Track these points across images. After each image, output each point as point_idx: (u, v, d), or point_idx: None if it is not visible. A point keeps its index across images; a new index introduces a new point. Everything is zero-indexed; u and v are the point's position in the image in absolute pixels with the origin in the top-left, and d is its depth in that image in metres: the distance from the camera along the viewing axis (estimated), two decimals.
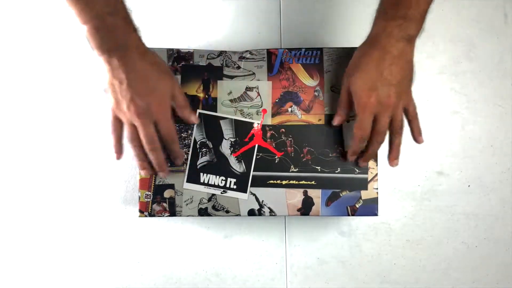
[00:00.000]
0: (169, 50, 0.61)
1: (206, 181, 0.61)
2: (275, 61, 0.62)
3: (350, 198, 0.61)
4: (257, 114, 0.61)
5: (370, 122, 0.55)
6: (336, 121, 0.59)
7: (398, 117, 0.56)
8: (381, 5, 0.54)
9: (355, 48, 0.60)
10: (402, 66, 0.53)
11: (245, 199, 0.61)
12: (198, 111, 0.61)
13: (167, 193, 0.61)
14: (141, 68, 0.51)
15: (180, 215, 0.61)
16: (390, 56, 0.52)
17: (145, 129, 0.53)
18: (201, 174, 0.61)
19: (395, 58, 0.52)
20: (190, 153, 0.61)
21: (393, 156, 0.58)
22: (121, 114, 0.53)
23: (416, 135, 0.59)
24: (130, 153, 0.56)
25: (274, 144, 0.61)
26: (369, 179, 0.61)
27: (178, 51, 0.61)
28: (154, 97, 0.52)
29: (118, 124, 0.55)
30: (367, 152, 0.58)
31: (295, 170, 0.61)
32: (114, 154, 0.57)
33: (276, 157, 0.61)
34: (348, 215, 0.61)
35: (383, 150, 0.71)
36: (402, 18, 0.52)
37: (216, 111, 0.61)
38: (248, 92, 0.61)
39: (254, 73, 0.61)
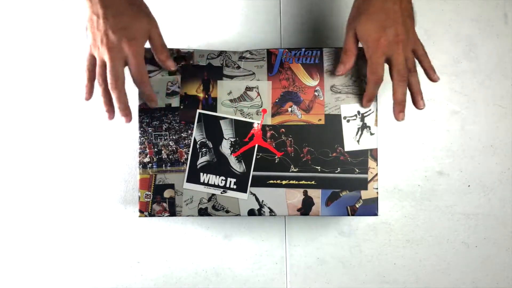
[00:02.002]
0: (169, 50, 0.61)
1: (206, 181, 0.61)
2: (275, 61, 0.61)
3: (350, 198, 0.61)
4: (257, 114, 0.61)
5: (382, 64, 0.55)
6: (340, 70, 0.59)
7: (410, 56, 0.56)
8: None
9: None
10: (405, 5, 0.55)
11: (245, 199, 0.61)
12: (198, 111, 0.61)
13: (167, 193, 0.61)
14: (118, 4, 0.53)
15: (180, 215, 0.61)
16: None
17: (112, 64, 0.53)
18: (201, 174, 0.61)
19: None
20: (190, 153, 0.61)
21: (418, 97, 0.58)
22: (95, 49, 0.55)
23: (431, 73, 0.59)
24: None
25: (274, 144, 0.61)
26: (369, 179, 0.61)
27: (178, 51, 0.61)
28: (127, 33, 0.53)
29: (92, 61, 0.56)
30: (396, 99, 0.57)
31: (295, 170, 0.61)
32: (84, 94, 0.58)
33: (276, 157, 0.61)
34: (348, 215, 0.61)
35: (382, 149, 0.72)
36: None
37: (216, 111, 0.61)
38: (248, 92, 0.61)
39: (254, 73, 0.61)
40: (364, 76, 0.61)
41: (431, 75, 0.59)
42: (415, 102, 0.58)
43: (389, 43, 0.54)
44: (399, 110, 0.57)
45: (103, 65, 0.55)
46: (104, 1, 0.52)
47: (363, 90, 0.61)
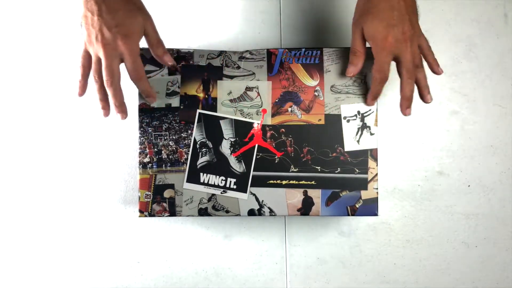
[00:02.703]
0: (169, 50, 0.61)
1: (206, 181, 0.61)
2: (275, 61, 0.61)
3: (350, 198, 0.61)
4: (257, 114, 0.61)
5: (389, 63, 0.56)
6: (351, 72, 0.59)
7: (416, 52, 0.56)
8: None
9: None
10: (409, 2, 0.55)
11: (245, 199, 0.61)
12: (198, 111, 0.61)
13: (167, 193, 0.61)
14: (112, 1, 0.53)
15: (180, 215, 0.61)
16: None
17: (108, 61, 0.54)
18: (201, 174, 0.61)
19: None
20: (190, 153, 0.61)
21: (425, 91, 0.59)
22: (90, 46, 0.55)
23: (435, 67, 0.59)
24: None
25: (274, 144, 0.61)
26: (369, 179, 0.61)
27: (178, 51, 0.61)
28: (121, 30, 0.53)
29: (87, 58, 0.56)
30: (404, 96, 0.58)
31: (295, 170, 0.61)
32: (78, 89, 0.58)
33: (276, 157, 0.61)
34: (348, 215, 0.61)
35: (382, 149, 0.72)
36: None
37: (216, 111, 0.61)
38: (248, 92, 0.61)
39: (254, 73, 0.61)
40: (364, 75, 0.61)
41: (435, 69, 0.59)
42: (422, 97, 0.59)
43: (396, 41, 0.54)
44: (406, 106, 0.58)
45: (99, 61, 0.55)
46: None
47: (363, 90, 0.61)
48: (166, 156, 0.61)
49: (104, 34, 0.53)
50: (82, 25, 0.54)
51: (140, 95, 0.61)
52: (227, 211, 0.61)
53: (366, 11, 0.55)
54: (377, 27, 0.54)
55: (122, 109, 0.57)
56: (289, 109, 0.61)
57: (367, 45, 0.57)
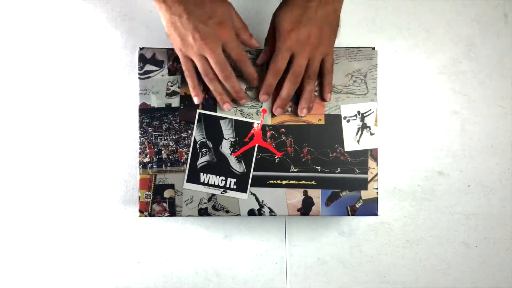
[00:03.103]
0: (169, 50, 0.61)
1: (206, 181, 0.61)
2: None
3: (350, 198, 0.61)
4: (257, 114, 0.61)
5: (286, 58, 0.55)
6: (259, 60, 0.59)
7: (314, 63, 0.56)
8: None
9: (355, 48, 0.61)
10: (328, 12, 0.54)
11: (245, 199, 0.61)
12: (198, 111, 0.61)
13: (167, 193, 0.61)
14: None
15: (180, 215, 0.61)
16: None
17: (215, 55, 0.53)
18: (201, 174, 0.61)
19: (322, 2, 0.53)
20: (190, 153, 0.61)
21: (303, 103, 0.59)
22: (188, 49, 0.54)
23: (325, 92, 0.59)
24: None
25: (274, 144, 0.61)
26: (369, 179, 0.61)
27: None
28: (216, 19, 0.52)
29: (189, 63, 0.56)
30: (280, 95, 0.58)
31: (295, 170, 0.61)
32: (194, 97, 0.58)
33: (276, 157, 0.61)
34: (348, 215, 0.61)
35: (382, 149, 0.72)
36: None
37: (216, 111, 0.61)
38: (248, 92, 0.61)
39: None
40: (364, 75, 0.61)
41: (324, 93, 0.59)
42: (298, 108, 0.59)
43: (298, 40, 0.54)
44: (278, 105, 0.59)
45: (205, 61, 0.54)
46: None
47: (363, 90, 0.61)
48: (166, 156, 0.61)
49: (200, 30, 0.52)
50: (170, 34, 0.54)
51: (140, 95, 0.61)
52: (227, 211, 0.61)
53: (284, 2, 0.55)
54: (285, 19, 0.54)
55: (242, 95, 0.58)
56: (289, 109, 0.61)
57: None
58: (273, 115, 0.61)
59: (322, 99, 0.60)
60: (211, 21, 0.52)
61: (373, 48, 0.61)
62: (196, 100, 0.59)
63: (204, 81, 0.57)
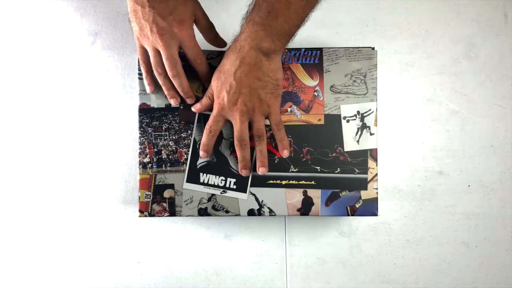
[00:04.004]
0: None
1: (206, 181, 0.61)
2: None
3: (350, 198, 0.61)
4: None
5: (220, 121, 0.56)
6: (195, 108, 0.60)
7: (256, 124, 0.56)
8: (254, 5, 0.53)
9: (355, 48, 0.61)
10: (258, 76, 0.54)
11: (244, 199, 0.61)
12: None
13: (167, 193, 0.61)
14: None
15: (180, 215, 0.61)
16: (243, 62, 0.53)
17: (168, 51, 0.53)
18: (201, 174, 0.61)
19: (250, 65, 0.53)
20: (190, 153, 0.61)
21: (259, 163, 0.59)
22: (145, 40, 0.54)
23: (279, 149, 0.59)
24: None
25: (274, 144, 0.61)
26: (369, 179, 0.61)
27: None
28: (176, 16, 0.52)
29: (144, 53, 0.56)
30: (245, 159, 0.58)
31: (294, 170, 0.61)
32: (146, 86, 0.59)
33: (276, 157, 0.61)
34: (348, 215, 0.61)
35: (382, 149, 0.72)
36: (262, 27, 0.51)
37: None
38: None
39: None
40: (364, 75, 0.61)
41: (280, 150, 0.59)
42: (257, 168, 0.59)
43: (229, 103, 0.54)
44: (241, 167, 0.59)
45: (157, 54, 0.54)
46: None
47: (363, 90, 0.61)
48: (166, 156, 0.61)
49: (159, 24, 0.52)
50: (131, 20, 0.54)
51: (140, 95, 0.61)
52: (227, 211, 0.61)
53: (219, 66, 0.56)
54: (216, 85, 0.55)
55: (190, 94, 0.59)
56: (289, 109, 0.61)
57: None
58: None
59: (282, 155, 0.60)
60: (170, 17, 0.52)
61: (373, 48, 0.61)
62: (148, 89, 0.59)
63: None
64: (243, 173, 0.59)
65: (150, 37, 0.53)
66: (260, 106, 0.55)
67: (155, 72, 0.57)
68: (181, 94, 0.58)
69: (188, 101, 0.60)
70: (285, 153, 0.59)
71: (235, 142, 0.57)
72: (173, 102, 0.59)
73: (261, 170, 0.59)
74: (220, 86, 0.55)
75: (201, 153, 0.59)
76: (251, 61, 0.53)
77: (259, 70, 0.53)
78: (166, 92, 0.59)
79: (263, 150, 0.58)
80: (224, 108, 0.55)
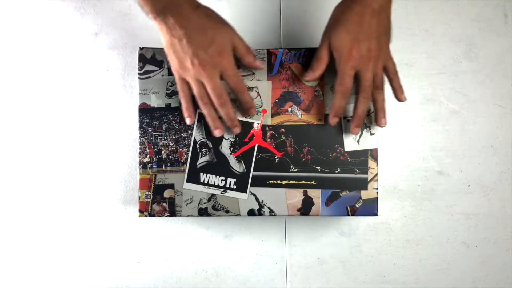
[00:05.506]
0: None
1: (206, 181, 0.61)
2: (275, 61, 0.61)
3: (350, 198, 0.61)
4: (257, 114, 0.61)
5: (351, 77, 0.55)
6: (308, 76, 0.58)
7: (379, 73, 0.56)
8: None
9: None
10: (382, 21, 0.54)
11: (245, 199, 0.61)
12: (198, 111, 0.61)
13: (167, 193, 0.61)
14: (197, 21, 0.51)
15: (180, 215, 0.61)
16: (370, 10, 0.53)
17: (212, 82, 0.53)
18: (201, 174, 0.61)
19: (376, 12, 0.53)
20: (190, 153, 0.61)
21: (381, 114, 0.58)
22: (185, 72, 0.54)
23: (399, 93, 0.59)
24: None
25: (274, 144, 0.61)
26: (369, 179, 0.61)
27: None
28: (216, 47, 0.52)
29: (185, 85, 0.55)
30: (356, 113, 0.57)
31: (295, 170, 0.61)
32: (186, 118, 0.58)
33: (276, 157, 0.61)
34: (348, 215, 0.61)
35: (382, 149, 0.72)
36: None
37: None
38: (248, 92, 0.61)
39: (254, 73, 0.61)
40: None
41: (399, 95, 0.59)
42: (377, 119, 0.58)
43: (360, 57, 0.54)
44: (355, 124, 0.58)
45: (201, 85, 0.54)
46: (182, 22, 0.51)
47: None
48: (166, 156, 0.61)
49: (200, 56, 0.52)
50: (168, 55, 0.54)
51: (140, 95, 0.61)
52: (227, 211, 0.61)
53: (337, 22, 0.55)
54: (344, 39, 0.54)
55: (236, 124, 0.58)
56: (289, 109, 0.61)
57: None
58: (272, 115, 0.61)
59: (399, 100, 0.59)
60: (210, 49, 0.52)
61: None
62: (188, 121, 0.58)
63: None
64: (356, 131, 0.58)
65: (191, 69, 0.53)
66: (384, 54, 0.56)
67: (200, 102, 0.55)
68: (227, 123, 0.57)
69: (235, 130, 0.59)
70: (404, 97, 0.59)
71: (362, 94, 0.56)
72: (217, 133, 0.58)
73: (384, 121, 0.58)
74: (349, 39, 0.53)
75: (333, 120, 0.58)
76: (378, 7, 0.53)
77: (385, 15, 0.54)
78: (211, 123, 0.57)
79: (384, 99, 0.58)
80: (357, 59, 0.54)
